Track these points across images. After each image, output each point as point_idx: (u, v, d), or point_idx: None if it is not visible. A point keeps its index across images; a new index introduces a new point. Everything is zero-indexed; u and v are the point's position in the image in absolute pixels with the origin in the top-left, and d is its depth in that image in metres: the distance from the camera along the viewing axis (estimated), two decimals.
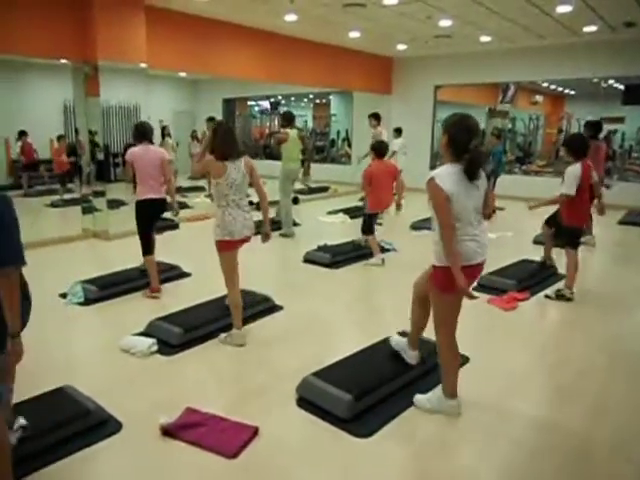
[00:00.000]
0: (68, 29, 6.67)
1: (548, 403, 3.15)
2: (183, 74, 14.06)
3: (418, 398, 3.00)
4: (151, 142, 4.87)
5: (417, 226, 7.93)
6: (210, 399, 3.06)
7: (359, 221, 8.32)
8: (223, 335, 3.86)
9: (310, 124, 19.59)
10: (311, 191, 11.87)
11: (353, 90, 12.75)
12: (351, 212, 9.13)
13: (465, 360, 3.51)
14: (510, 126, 18.63)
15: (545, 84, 16.06)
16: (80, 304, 4.66)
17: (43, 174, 12.07)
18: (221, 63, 8.63)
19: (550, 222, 5.33)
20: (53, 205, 9.89)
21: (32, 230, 7.50)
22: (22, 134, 11.54)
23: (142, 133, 4.78)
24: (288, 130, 7.30)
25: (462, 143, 2.60)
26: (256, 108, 19.23)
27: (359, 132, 12.73)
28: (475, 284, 4.45)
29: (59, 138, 11.40)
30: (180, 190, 10.85)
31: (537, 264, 5.62)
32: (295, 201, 10.22)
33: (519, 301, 4.70)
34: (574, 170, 4.53)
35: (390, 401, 2.99)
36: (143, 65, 7.27)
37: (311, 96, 18.70)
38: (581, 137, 5.09)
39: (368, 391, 2.92)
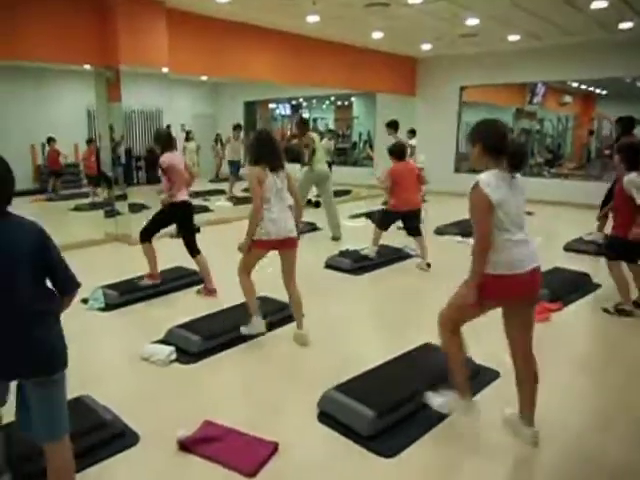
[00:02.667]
0: (90, 34, 6.68)
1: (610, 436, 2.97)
2: (204, 77, 14.10)
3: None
4: (174, 150, 4.91)
5: (442, 231, 7.75)
6: (228, 411, 2.97)
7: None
8: (243, 328, 3.85)
9: (332, 126, 19.49)
10: (333, 194, 11.74)
11: (376, 92, 12.61)
12: (374, 216, 8.97)
13: (495, 375, 3.36)
14: (538, 127, 18.24)
15: (575, 84, 15.67)
16: (101, 310, 4.63)
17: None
18: (243, 66, 8.58)
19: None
20: (77, 209, 9.96)
21: (56, 234, 7.57)
22: (50, 140, 11.73)
23: (170, 141, 4.83)
24: (310, 134, 7.29)
25: (498, 145, 2.48)
26: (277, 111, 19.21)
27: (382, 134, 12.54)
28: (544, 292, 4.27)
29: (88, 142, 11.53)
30: (201, 194, 10.86)
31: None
32: (317, 205, 10.15)
33: (552, 312, 4.50)
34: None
35: (416, 418, 2.85)
36: (165, 70, 7.24)
37: (333, 98, 18.62)
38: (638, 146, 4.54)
39: (392, 407, 2.78)
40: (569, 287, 5.06)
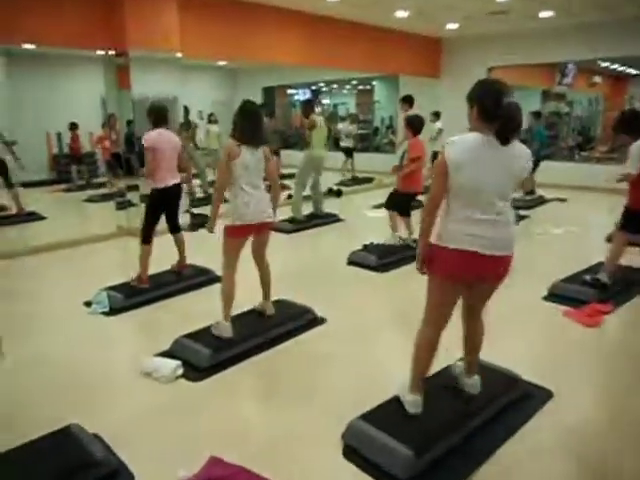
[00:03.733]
0: (97, 18, 6.27)
1: None
2: (222, 63, 13.66)
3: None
4: (167, 126, 4.57)
5: None
6: (238, 443, 2.56)
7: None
8: (213, 324, 3.59)
9: (352, 111, 18.91)
10: (355, 182, 11.29)
11: (399, 74, 12.01)
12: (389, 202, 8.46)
13: (548, 395, 2.89)
14: (567, 110, 17.40)
15: (605, 64, 14.84)
16: (105, 314, 4.26)
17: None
18: (259, 49, 8.08)
19: None
20: (90, 200, 9.66)
21: (64, 229, 7.28)
22: (73, 126, 11.43)
23: (162, 116, 4.47)
24: (314, 116, 6.94)
25: (493, 106, 2.21)
26: (296, 97, 18.68)
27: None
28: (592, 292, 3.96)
29: (103, 125, 11.23)
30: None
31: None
32: (339, 194, 9.72)
33: (604, 314, 3.99)
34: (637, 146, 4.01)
35: (460, 452, 2.40)
36: (177, 54, 6.80)
37: (354, 82, 18.03)
38: (635, 113, 4.46)
39: (433, 442, 2.35)
40: (620, 284, 4.48)
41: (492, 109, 2.21)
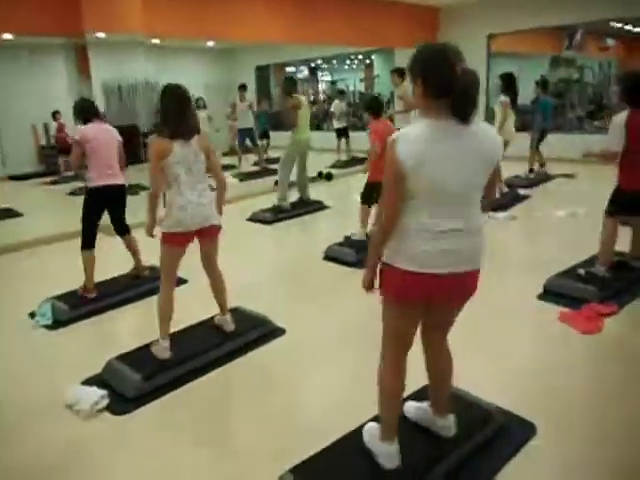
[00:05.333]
0: (53, 3, 5.80)
1: None
2: (211, 44, 13.06)
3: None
4: (101, 119, 4.17)
5: None
6: None
7: None
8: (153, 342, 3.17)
9: (353, 87, 18.25)
10: (349, 164, 10.72)
11: (393, 47, 11.35)
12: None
13: (530, 431, 2.40)
14: (577, 76, 16.50)
15: (618, 25, 13.90)
16: (47, 327, 3.85)
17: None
18: (234, 26, 7.52)
19: None
20: (73, 193, 9.26)
21: (39, 226, 6.89)
22: (55, 114, 11.17)
23: (88, 111, 4.05)
24: (299, 96, 6.38)
25: (444, 78, 1.72)
26: (297, 74, 18.02)
27: None
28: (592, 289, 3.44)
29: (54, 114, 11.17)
30: None
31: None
32: (328, 177, 9.20)
33: (605, 317, 3.45)
34: (618, 119, 3.55)
35: None
36: (138, 35, 6.29)
37: (352, 57, 17.34)
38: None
39: None
40: (623, 278, 3.92)
41: (444, 81, 1.72)
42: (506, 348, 3.22)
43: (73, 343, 3.65)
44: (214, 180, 3.21)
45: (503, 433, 2.34)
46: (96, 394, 2.79)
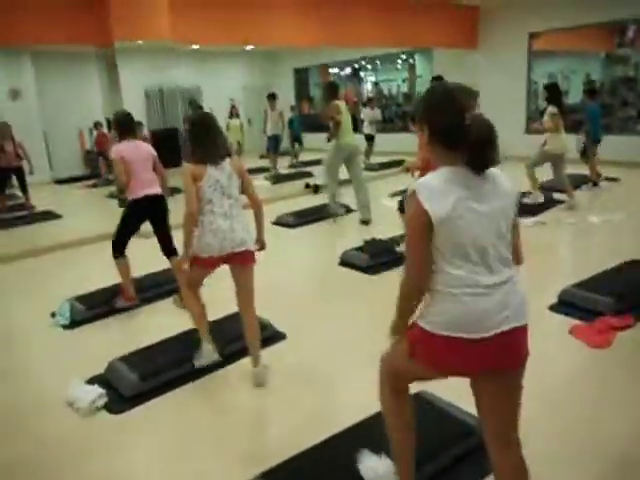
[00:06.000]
0: (83, 13, 6.08)
1: None
2: (249, 47, 13.26)
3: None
4: (135, 136, 4.16)
5: None
6: None
7: None
8: (196, 359, 3.11)
9: (395, 89, 18.07)
10: (381, 167, 10.65)
11: (430, 47, 11.21)
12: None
13: None
14: (632, 74, 15.71)
15: None
16: (65, 327, 4.02)
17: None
18: (263, 31, 7.59)
19: None
20: (111, 196, 9.62)
21: (75, 228, 7.20)
22: (97, 125, 11.70)
23: (127, 127, 4.08)
24: (337, 102, 6.20)
25: (450, 130, 1.54)
26: (336, 76, 18.01)
27: None
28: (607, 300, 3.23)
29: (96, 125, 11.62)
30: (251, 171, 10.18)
31: None
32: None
33: (618, 330, 3.27)
34: None
35: None
36: (166, 41, 6.48)
37: (401, 57, 17.14)
38: None
39: None
40: None
41: (452, 129, 1.55)
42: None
43: (85, 342, 3.81)
44: (250, 202, 3.08)
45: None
46: (94, 392, 2.90)
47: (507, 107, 10.27)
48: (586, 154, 7.72)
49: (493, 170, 1.61)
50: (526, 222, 5.88)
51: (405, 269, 1.62)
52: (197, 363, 3.11)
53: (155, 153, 4.20)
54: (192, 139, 2.88)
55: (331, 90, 6.39)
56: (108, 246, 4.27)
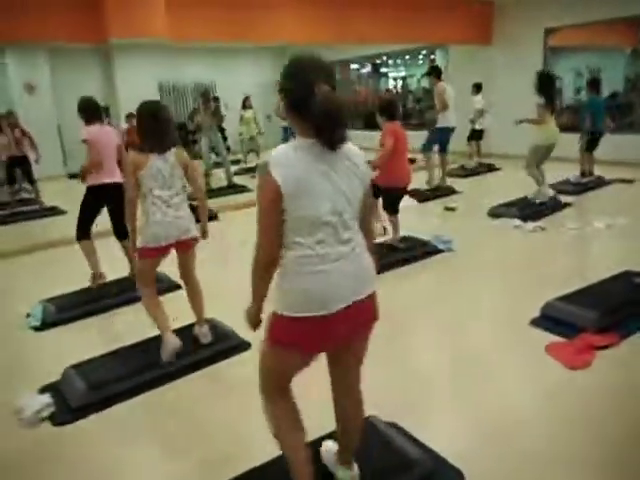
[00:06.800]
0: (80, 11, 6.06)
1: None
2: (263, 44, 13.19)
3: None
4: (102, 121, 4.31)
5: (497, 212, 6.24)
6: None
7: (430, 206, 7.00)
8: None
9: (416, 84, 17.79)
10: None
11: (444, 43, 10.95)
12: (422, 193, 7.58)
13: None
14: None
15: None
16: (35, 329, 3.96)
17: None
18: (264, 28, 7.42)
19: None
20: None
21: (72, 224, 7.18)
22: (129, 117, 11.35)
23: (94, 112, 4.22)
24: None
25: (301, 96, 1.57)
26: (357, 71, 17.76)
27: (456, 90, 10.88)
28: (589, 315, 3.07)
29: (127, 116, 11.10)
30: (253, 169, 10.06)
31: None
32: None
33: (598, 349, 3.03)
34: None
35: None
36: (162, 38, 6.41)
37: (422, 52, 16.80)
38: None
39: None
40: (633, 307, 3.43)
41: (301, 98, 1.57)
42: (465, 382, 2.92)
43: (52, 346, 3.73)
44: (195, 194, 3.29)
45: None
46: (40, 402, 2.82)
47: (522, 103, 9.89)
48: (589, 148, 7.47)
49: (351, 148, 1.68)
50: (526, 227, 5.65)
51: (257, 239, 1.64)
52: (164, 356, 3.07)
53: (119, 141, 4.37)
54: (139, 128, 2.99)
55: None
56: (105, 244, 4.44)
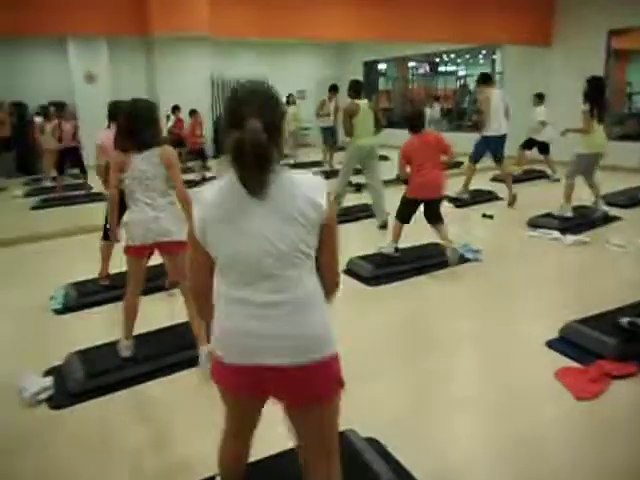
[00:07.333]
0: (126, 4, 6.21)
1: None
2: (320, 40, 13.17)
3: None
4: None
5: (537, 223, 5.94)
6: None
7: (466, 212, 6.78)
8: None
9: (473, 85, 17.26)
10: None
11: (500, 43, 10.53)
12: (458, 199, 7.32)
13: None
14: None
15: None
16: (57, 312, 4.11)
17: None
18: (308, 24, 7.36)
19: None
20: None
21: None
22: (175, 109, 11.18)
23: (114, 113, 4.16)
24: (357, 101, 5.92)
25: (234, 128, 1.36)
26: (419, 69, 17.43)
27: (511, 93, 10.41)
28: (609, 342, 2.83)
29: (191, 113, 11.01)
30: (298, 166, 10.05)
31: None
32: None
33: (613, 379, 2.81)
34: None
35: None
36: (203, 33, 6.48)
37: (482, 51, 16.29)
38: None
39: None
40: None
41: (226, 129, 1.40)
42: (465, 401, 2.79)
43: (68, 330, 3.86)
44: (177, 194, 3.01)
45: None
46: (39, 384, 2.91)
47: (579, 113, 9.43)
48: None
49: (304, 179, 1.46)
50: (565, 240, 5.35)
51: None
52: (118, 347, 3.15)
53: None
54: (120, 127, 3.00)
55: (355, 88, 6.04)
56: None
